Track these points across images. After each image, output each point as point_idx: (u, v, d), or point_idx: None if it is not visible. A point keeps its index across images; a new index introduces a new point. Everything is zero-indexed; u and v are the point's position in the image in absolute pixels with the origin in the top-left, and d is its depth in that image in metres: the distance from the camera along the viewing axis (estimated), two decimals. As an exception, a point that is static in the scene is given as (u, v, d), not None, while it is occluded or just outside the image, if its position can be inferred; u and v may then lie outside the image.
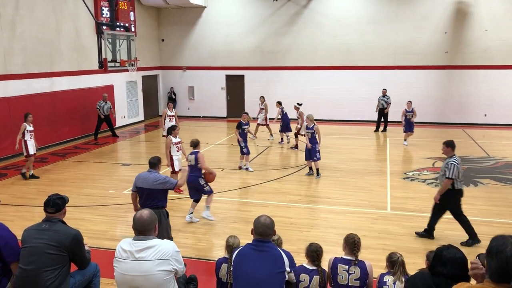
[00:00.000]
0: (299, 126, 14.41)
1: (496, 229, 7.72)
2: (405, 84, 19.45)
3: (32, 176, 11.52)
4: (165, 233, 6.01)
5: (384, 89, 17.97)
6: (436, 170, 11.92)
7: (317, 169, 11.42)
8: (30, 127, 11.43)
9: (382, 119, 18.00)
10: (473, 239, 7.24)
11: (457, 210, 7.38)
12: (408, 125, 15.42)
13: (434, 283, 3.23)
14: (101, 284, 4.95)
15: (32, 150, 11.40)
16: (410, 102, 15.70)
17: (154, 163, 6.42)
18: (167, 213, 6.28)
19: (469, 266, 2.74)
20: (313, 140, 11.29)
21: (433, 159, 13.19)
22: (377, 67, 20.34)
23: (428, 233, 7.58)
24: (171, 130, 10.12)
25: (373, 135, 17.62)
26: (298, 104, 14.79)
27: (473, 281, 2.75)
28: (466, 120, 19.88)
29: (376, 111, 18.19)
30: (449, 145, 7.44)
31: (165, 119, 14.31)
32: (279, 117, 15.65)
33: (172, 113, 14.41)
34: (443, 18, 19.53)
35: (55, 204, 4.38)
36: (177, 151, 10.18)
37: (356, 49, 20.47)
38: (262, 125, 16.54)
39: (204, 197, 8.38)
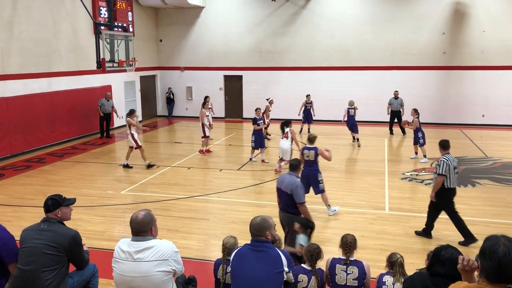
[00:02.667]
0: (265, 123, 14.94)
1: (494, 230, 7.74)
2: (403, 84, 19.46)
3: None
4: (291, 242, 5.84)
5: (396, 91, 17.76)
6: (434, 171, 11.92)
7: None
8: None
9: (396, 120, 17.59)
10: (467, 238, 7.25)
11: (449, 209, 7.38)
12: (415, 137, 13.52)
13: (432, 283, 3.24)
14: (100, 284, 4.95)
15: None
16: (413, 110, 13.86)
17: (295, 165, 6.25)
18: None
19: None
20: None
21: (431, 160, 13.21)
22: (375, 67, 20.37)
23: (425, 232, 7.59)
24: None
25: (372, 135, 17.62)
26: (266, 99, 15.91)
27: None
28: (464, 121, 19.93)
29: (388, 114, 17.83)
30: (440, 145, 7.55)
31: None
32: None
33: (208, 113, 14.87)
34: (441, 19, 19.57)
35: (45, 204, 4.39)
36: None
37: (354, 49, 20.50)
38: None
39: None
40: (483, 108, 19.81)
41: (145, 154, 12.53)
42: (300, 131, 17.79)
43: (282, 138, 11.68)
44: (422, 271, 3.47)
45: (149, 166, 12.38)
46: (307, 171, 8.53)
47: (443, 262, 3.28)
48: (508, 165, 12.71)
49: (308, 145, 8.77)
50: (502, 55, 19.18)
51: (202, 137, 14.16)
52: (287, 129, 11.63)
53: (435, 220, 7.56)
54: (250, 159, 13.19)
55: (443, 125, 19.85)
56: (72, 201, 4.58)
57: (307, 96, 18.03)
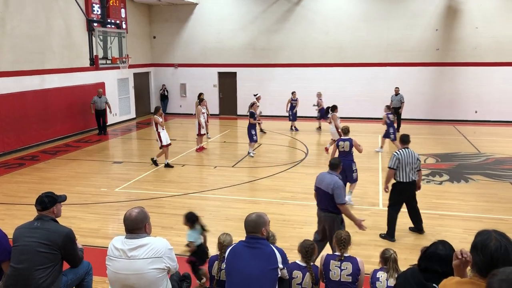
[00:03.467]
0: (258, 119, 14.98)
1: (487, 225, 7.74)
2: (397, 81, 19.51)
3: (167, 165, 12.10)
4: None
5: (396, 87, 17.78)
6: (427, 167, 12.01)
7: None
8: None
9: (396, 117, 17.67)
10: (388, 235, 7.32)
11: (390, 201, 7.43)
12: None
13: (424, 278, 3.26)
14: (94, 282, 4.94)
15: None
16: (386, 106, 14.29)
17: (336, 165, 6.19)
18: (342, 220, 6.02)
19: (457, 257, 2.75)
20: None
21: (424, 156, 13.28)
22: (368, 64, 20.40)
23: (416, 228, 7.63)
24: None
25: (364, 132, 17.66)
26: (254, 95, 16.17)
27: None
28: (457, 117, 20.03)
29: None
30: (399, 139, 7.76)
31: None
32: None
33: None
34: (435, 15, 19.62)
35: (42, 202, 4.36)
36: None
37: (348, 46, 20.52)
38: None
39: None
40: (476, 104, 19.91)
41: (168, 153, 12.32)
42: (291, 129, 17.88)
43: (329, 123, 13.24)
44: (415, 266, 3.49)
45: (167, 166, 12.14)
46: (343, 161, 8.65)
47: (430, 258, 3.30)
48: (500, 160, 12.80)
49: (343, 137, 9.21)
50: (495, 52, 19.28)
51: (197, 135, 14.12)
52: (329, 115, 13.14)
53: (414, 215, 7.56)
54: (248, 153, 13.34)
55: (437, 121, 19.94)
56: (64, 198, 4.63)
57: (293, 93, 18.07)
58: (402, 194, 7.28)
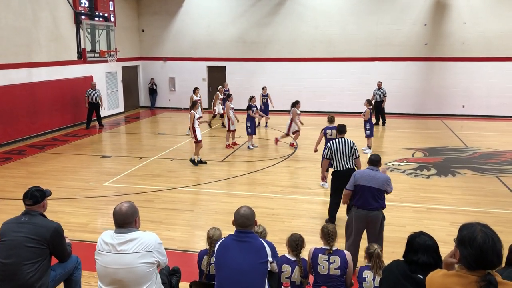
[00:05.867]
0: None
1: (473, 218, 7.84)
2: (386, 75, 19.62)
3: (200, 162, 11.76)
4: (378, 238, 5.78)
5: (379, 81, 17.81)
6: (416, 161, 12.12)
7: None
8: None
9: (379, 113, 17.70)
10: (330, 221, 7.38)
11: (330, 190, 7.73)
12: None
13: (410, 270, 3.30)
14: (83, 276, 4.92)
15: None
16: (367, 100, 14.08)
17: (378, 161, 6.04)
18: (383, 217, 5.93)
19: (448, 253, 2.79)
20: None
21: (412, 150, 13.39)
22: (358, 58, 20.47)
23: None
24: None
25: (354, 126, 17.72)
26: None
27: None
28: (444, 111, 20.20)
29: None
30: (336, 129, 8.43)
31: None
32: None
33: (198, 98, 15.67)
34: (423, 10, 19.73)
35: (33, 196, 4.33)
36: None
37: (337, 40, 20.56)
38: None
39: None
40: (464, 99, 20.10)
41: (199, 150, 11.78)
42: (258, 125, 17.30)
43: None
44: (399, 259, 3.52)
45: (200, 162, 11.66)
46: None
47: (416, 249, 3.34)
48: (487, 154, 12.95)
49: (329, 125, 10.01)
50: (482, 47, 19.45)
51: (228, 131, 13.90)
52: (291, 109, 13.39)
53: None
54: (248, 147, 13.52)
55: (425, 116, 20.09)
56: (49, 192, 4.61)
57: (263, 88, 17.74)
58: (339, 181, 7.39)
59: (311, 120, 17.95)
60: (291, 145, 13.90)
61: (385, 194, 5.91)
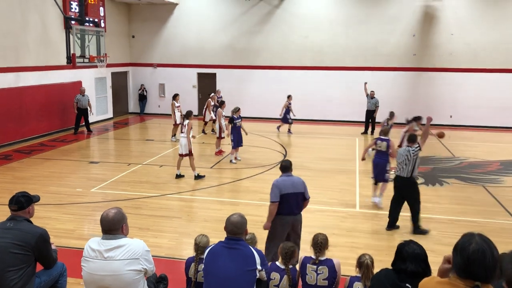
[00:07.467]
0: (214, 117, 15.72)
1: (460, 227, 7.97)
2: (374, 85, 19.72)
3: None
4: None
5: (372, 91, 17.88)
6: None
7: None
8: None
9: (370, 121, 17.78)
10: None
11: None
12: None
13: (398, 279, 3.30)
14: (68, 284, 4.85)
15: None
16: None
17: (288, 167, 6.07)
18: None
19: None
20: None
21: (400, 159, 13.46)
22: (347, 67, 20.61)
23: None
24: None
25: (343, 134, 17.84)
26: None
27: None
28: (432, 121, 20.34)
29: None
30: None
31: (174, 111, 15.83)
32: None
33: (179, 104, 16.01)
34: (412, 21, 19.97)
35: (18, 202, 4.27)
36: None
37: (326, 50, 20.69)
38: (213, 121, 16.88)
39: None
40: (451, 109, 20.32)
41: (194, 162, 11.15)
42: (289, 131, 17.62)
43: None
44: (388, 268, 3.52)
45: (198, 177, 10.99)
46: (379, 160, 9.32)
47: (405, 258, 3.34)
48: (474, 164, 13.09)
49: (382, 137, 9.46)
50: (469, 58, 19.72)
51: (218, 138, 13.79)
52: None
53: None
54: (231, 161, 12.79)
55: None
56: (37, 198, 4.57)
57: (289, 96, 17.70)
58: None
59: (300, 128, 18.04)
60: (220, 152, 13.82)
61: (307, 199, 5.98)
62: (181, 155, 10.96)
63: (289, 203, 5.83)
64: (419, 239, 3.99)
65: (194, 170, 10.98)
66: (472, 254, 2.35)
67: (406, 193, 7.85)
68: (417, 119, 12.46)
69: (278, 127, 17.91)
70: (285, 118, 17.50)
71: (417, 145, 7.81)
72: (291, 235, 6.00)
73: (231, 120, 12.76)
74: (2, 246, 4.03)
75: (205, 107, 17.31)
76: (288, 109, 17.52)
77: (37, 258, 4.22)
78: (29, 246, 4.09)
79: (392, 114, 13.94)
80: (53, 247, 4.51)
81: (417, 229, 7.75)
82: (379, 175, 9.31)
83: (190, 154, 10.86)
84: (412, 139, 7.93)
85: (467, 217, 8.72)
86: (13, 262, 4.02)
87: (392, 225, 7.96)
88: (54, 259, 4.50)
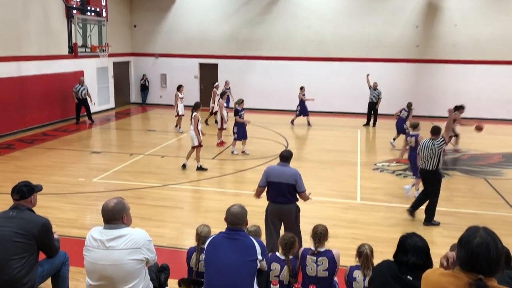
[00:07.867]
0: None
1: (461, 220, 7.99)
2: (377, 76, 19.64)
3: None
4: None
5: (375, 82, 17.80)
6: (405, 162, 12.16)
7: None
8: None
9: (372, 113, 17.77)
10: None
11: None
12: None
13: (399, 271, 3.31)
14: (70, 272, 4.89)
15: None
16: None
17: (288, 157, 6.13)
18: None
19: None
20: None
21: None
22: (349, 59, 20.51)
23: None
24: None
25: (345, 126, 17.81)
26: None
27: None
28: (434, 113, 20.31)
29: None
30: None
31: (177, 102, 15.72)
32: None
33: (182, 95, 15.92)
34: (415, 12, 19.83)
35: (20, 191, 4.30)
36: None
37: (329, 40, 20.59)
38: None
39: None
40: (454, 101, 20.08)
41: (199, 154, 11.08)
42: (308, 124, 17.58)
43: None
44: (389, 259, 3.53)
45: (201, 169, 10.93)
46: (411, 156, 9.53)
47: (407, 250, 3.34)
48: (476, 157, 13.09)
49: (411, 132, 9.61)
50: (472, 50, 19.61)
51: (219, 129, 13.78)
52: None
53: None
54: (232, 152, 12.76)
55: (415, 117, 20.06)
56: (40, 187, 4.59)
57: (302, 88, 17.68)
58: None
59: (302, 120, 18.00)
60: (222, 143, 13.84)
61: (300, 191, 5.93)
62: (193, 147, 10.98)
63: (273, 191, 5.98)
64: (421, 231, 4.00)
65: (198, 161, 10.99)
66: (477, 248, 2.36)
67: (428, 185, 7.86)
68: (459, 108, 12.54)
69: (292, 121, 17.70)
70: (304, 109, 17.35)
71: (442, 138, 7.77)
72: (286, 227, 6.07)
73: (236, 112, 12.67)
74: (5, 235, 4.06)
75: (212, 97, 16.95)
76: (303, 101, 17.37)
77: (39, 247, 4.25)
78: (31, 235, 4.12)
79: (409, 105, 13.84)
80: (55, 236, 4.54)
81: (428, 221, 7.76)
82: (414, 170, 9.36)
83: (199, 145, 10.87)
84: (436, 131, 7.91)
85: (468, 209, 8.73)
86: (16, 251, 4.05)
87: (414, 208, 8.04)
88: (57, 248, 4.53)
